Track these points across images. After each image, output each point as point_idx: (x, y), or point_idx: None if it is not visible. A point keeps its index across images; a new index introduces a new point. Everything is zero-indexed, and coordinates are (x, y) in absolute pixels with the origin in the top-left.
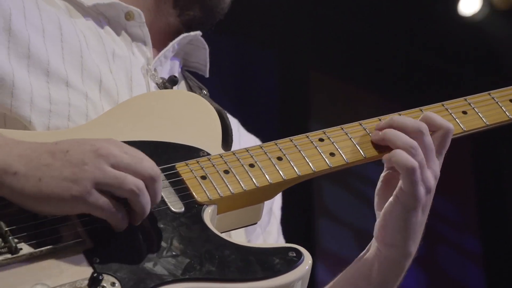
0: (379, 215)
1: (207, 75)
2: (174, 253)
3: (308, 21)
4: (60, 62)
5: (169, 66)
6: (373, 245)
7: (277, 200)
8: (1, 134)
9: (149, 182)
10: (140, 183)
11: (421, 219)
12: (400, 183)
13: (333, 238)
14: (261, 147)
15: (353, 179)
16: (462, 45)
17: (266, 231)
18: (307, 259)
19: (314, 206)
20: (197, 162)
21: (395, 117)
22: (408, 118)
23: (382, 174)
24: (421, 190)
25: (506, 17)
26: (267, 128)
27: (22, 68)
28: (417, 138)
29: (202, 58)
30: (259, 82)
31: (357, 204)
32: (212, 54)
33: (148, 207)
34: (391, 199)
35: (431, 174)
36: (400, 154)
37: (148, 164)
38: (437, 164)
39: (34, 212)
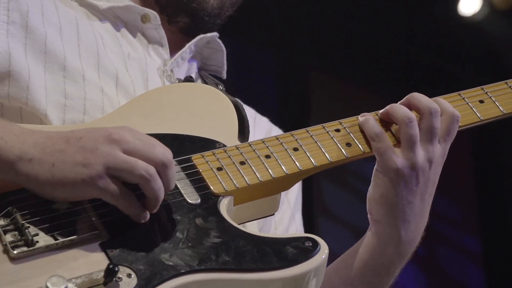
0: None
1: (225, 77)
2: (190, 244)
3: (307, 20)
4: (77, 58)
5: (186, 68)
6: None
7: (293, 189)
8: (18, 124)
9: (161, 168)
10: (151, 169)
11: (407, 197)
12: None
13: (333, 238)
14: (277, 138)
15: (353, 179)
16: (462, 45)
17: (278, 217)
18: (324, 249)
19: (314, 206)
20: (213, 153)
21: (415, 93)
22: (425, 97)
23: None
24: (398, 161)
25: (506, 17)
26: None
27: (39, 64)
28: (424, 117)
29: (220, 60)
30: (258, 82)
31: (357, 204)
32: None
33: (160, 193)
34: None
35: (423, 154)
36: (368, 121)
37: (160, 150)
38: (436, 148)
39: (49, 198)
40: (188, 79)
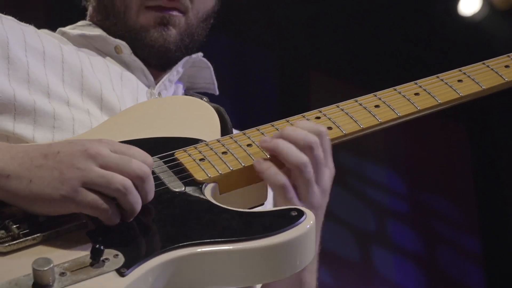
0: None
1: (217, 93)
2: (176, 224)
3: (307, 21)
4: (60, 85)
5: (173, 90)
6: None
7: None
8: None
9: (138, 181)
10: (127, 182)
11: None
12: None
13: (333, 238)
14: (257, 129)
15: (352, 179)
16: (462, 45)
17: None
18: (309, 218)
19: None
20: (195, 148)
21: (286, 129)
22: (298, 131)
23: None
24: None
25: (506, 17)
26: None
27: (24, 90)
28: (307, 153)
29: (208, 77)
30: (258, 82)
31: (357, 204)
32: (210, 55)
33: (137, 206)
34: None
35: (318, 190)
36: (269, 171)
37: (137, 164)
38: (327, 175)
39: (30, 212)
40: None
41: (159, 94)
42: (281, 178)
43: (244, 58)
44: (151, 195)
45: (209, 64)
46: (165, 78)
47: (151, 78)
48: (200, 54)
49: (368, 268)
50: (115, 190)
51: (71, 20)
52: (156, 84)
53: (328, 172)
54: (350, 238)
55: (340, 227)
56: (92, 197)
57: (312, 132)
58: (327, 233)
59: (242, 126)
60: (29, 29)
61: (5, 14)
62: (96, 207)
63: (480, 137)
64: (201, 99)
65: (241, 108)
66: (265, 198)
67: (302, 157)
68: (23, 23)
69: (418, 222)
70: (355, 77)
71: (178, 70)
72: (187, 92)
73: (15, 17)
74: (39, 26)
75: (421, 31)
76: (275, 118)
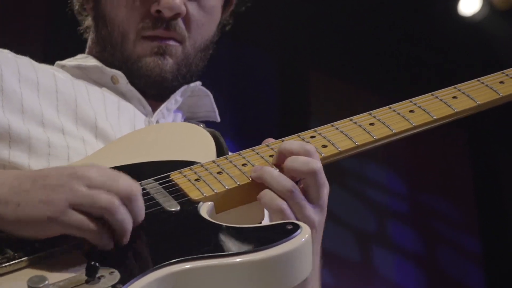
0: None
1: (219, 120)
2: (171, 241)
3: (307, 21)
4: (54, 114)
5: (172, 119)
6: None
7: None
8: None
9: (126, 200)
10: (114, 200)
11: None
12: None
13: (333, 238)
14: (253, 150)
15: (352, 180)
16: (461, 45)
17: None
18: (305, 232)
19: None
20: (191, 169)
21: (289, 160)
22: (299, 159)
23: None
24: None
25: (506, 17)
26: (267, 129)
27: (18, 119)
28: (309, 178)
29: (208, 105)
30: (258, 83)
31: (357, 204)
32: (210, 55)
33: (126, 225)
34: None
35: (315, 210)
36: (266, 197)
37: (124, 182)
38: (325, 194)
39: (19, 237)
40: None
41: (157, 122)
42: (279, 202)
43: (244, 59)
44: (141, 214)
45: (209, 92)
46: (163, 106)
47: (148, 107)
48: (198, 83)
49: (368, 268)
50: (101, 209)
51: (70, 54)
52: (153, 113)
53: (326, 190)
54: (350, 238)
55: (341, 227)
56: (78, 217)
57: (307, 155)
58: (327, 233)
59: (242, 126)
60: (24, 60)
61: (6, 49)
62: (82, 228)
63: (479, 138)
64: (198, 125)
65: (241, 108)
66: (263, 217)
67: (287, 185)
68: (19, 55)
69: (418, 222)
70: (355, 77)
71: (176, 99)
72: (187, 121)
73: (15, 52)
74: (38, 61)
75: (421, 31)
76: (275, 119)
